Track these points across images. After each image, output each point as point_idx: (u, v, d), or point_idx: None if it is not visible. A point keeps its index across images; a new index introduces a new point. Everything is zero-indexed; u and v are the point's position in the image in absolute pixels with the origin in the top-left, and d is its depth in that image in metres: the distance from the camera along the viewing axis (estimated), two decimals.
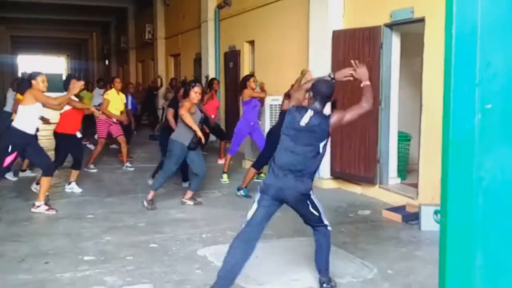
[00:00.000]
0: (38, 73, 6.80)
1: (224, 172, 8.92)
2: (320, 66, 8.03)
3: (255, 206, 4.17)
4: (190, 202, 7.27)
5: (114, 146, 12.11)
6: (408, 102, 8.19)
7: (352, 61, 4.46)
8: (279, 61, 10.41)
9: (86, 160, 9.34)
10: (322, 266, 4.35)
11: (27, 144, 6.71)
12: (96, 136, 12.23)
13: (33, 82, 6.64)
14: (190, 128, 6.83)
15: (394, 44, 7.44)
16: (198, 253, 5.29)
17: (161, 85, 17.82)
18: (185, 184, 8.01)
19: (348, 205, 7.21)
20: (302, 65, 8.89)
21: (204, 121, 7.55)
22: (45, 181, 6.84)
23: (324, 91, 4.27)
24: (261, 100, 9.17)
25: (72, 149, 7.81)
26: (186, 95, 7.09)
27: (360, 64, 4.38)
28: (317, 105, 4.24)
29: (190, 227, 6.27)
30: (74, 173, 7.99)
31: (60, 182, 8.43)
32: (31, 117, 6.65)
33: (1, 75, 24.42)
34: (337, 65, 7.94)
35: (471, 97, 1.66)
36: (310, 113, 4.17)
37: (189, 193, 7.31)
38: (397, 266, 4.93)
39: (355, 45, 7.67)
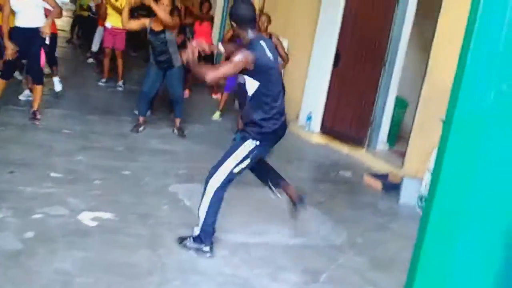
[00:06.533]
0: None
1: (218, 110, 8.57)
2: (332, 14, 7.65)
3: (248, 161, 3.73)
4: (176, 132, 7.10)
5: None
6: (410, 67, 7.80)
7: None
8: (289, 5, 9.90)
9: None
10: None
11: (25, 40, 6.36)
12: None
13: None
14: None
15: (410, 2, 6.98)
16: (170, 189, 5.09)
17: None
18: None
19: (332, 163, 6.95)
20: (313, 12, 8.44)
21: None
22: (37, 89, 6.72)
23: (245, 13, 3.65)
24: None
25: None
26: None
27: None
28: (251, 34, 3.66)
29: (168, 160, 6.04)
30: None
31: None
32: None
33: None
34: (349, 14, 7.55)
35: (488, 69, 1.38)
36: (262, 43, 3.66)
37: (178, 121, 7.16)
38: (367, 236, 4.72)
39: None
